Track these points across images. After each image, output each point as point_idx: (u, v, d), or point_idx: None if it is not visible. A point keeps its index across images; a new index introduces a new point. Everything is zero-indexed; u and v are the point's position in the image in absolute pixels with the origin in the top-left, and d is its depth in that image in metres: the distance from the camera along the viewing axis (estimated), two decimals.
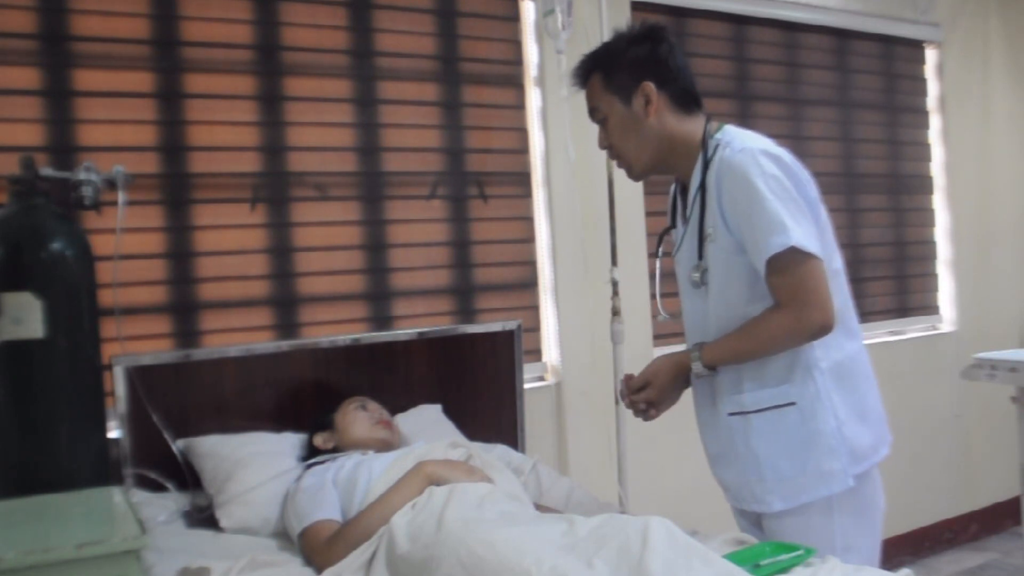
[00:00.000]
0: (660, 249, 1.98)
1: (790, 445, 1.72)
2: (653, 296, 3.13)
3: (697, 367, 1.76)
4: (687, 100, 1.80)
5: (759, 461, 1.75)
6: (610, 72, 1.80)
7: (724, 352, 1.74)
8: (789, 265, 1.63)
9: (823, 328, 1.66)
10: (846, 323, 1.76)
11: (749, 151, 1.68)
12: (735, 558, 1.57)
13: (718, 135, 1.76)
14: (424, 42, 2.84)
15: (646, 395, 1.81)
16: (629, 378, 1.86)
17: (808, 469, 1.71)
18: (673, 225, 1.93)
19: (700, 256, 1.77)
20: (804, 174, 1.72)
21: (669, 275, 1.96)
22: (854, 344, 1.78)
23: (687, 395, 1.91)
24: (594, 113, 1.85)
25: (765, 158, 1.67)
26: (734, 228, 1.69)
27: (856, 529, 1.75)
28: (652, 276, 3.10)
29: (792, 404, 1.72)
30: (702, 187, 1.75)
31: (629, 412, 1.88)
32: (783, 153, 1.71)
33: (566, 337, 2.98)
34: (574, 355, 2.97)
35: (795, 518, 1.75)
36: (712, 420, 1.85)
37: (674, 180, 1.91)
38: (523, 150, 3.01)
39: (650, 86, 1.77)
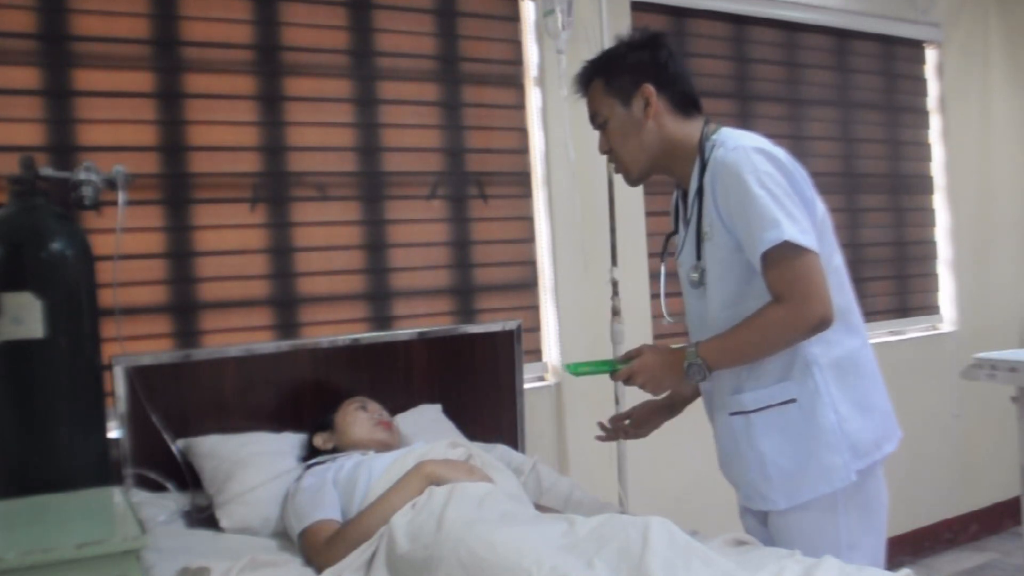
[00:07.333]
0: (664, 252, 1.99)
1: (793, 442, 1.72)
2: (654, 296, 3.16)
3: (692, 358, 1.70)
4: (686, 103, 1.82)
5: (763, 459, 1.75)
6: (610, 76, 1.82)
7: (721, 348, 1.71)
8: (784, 260, 1.63)
9: (823, 321, 1.64)
10: (848, 319, 1.76)
11: (742, 149, 1.68)
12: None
13: (715, 137, 1.77)
14: (424, 42, 2.84)
15: (634, 382, 1.78)
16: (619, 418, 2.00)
17: (811, 465, 1.71)
18: (676, 230, 1.94)
19: (698, 256, 1.78)
20: (800, 171, 1.72)
21: (673, 276, 1.96)
22: (856, 340, 1.77)
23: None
24: (595, 118, 1.87)
25: (758, 155, 1.67)
26: (730, 225, 1.70)
27: (860, 526, 1.75)
28: (653, 276, 3.14)
29: (792, 401, 1.72)
30: (700, 189, 1.76)
31: None
32: (778, 151, 1.71)
33: (566, 337, 2.98)
34: (574, 355, 2.97)
35: (800, 516, 1.75)
36: (718, 422, 1.86)
37: (675, 186, 1.92)
38: (523, 150, 3.01)
39: (649, 88, 1.79)
